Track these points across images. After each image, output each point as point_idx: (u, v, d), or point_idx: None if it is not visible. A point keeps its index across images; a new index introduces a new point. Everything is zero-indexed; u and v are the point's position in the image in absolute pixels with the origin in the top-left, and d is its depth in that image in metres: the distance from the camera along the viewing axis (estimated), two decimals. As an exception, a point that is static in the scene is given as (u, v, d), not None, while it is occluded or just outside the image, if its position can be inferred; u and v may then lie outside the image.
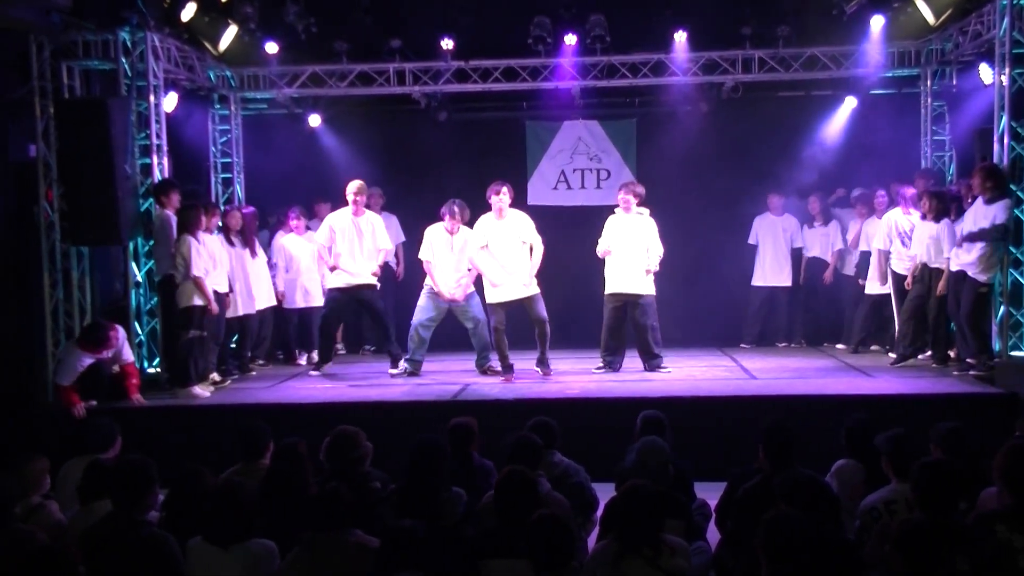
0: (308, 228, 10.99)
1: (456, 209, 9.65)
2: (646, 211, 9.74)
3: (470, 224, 9.68)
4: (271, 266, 10.74)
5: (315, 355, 10.57)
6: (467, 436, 5.73)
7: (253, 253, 10.27)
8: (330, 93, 11.55)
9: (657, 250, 9.63)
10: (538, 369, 9.47)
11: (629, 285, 9.57)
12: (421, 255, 9.77)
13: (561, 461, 5.74)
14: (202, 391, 8.90)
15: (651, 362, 9.67)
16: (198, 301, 8.84)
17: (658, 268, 9.65)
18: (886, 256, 10.08)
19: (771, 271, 11.50)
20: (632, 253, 9.54)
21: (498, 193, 9.34)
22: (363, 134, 12.25)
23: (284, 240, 10.95)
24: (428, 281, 9.74)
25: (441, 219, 9.73)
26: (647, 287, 9.60)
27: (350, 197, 9.77)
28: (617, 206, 9.77)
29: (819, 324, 11.50)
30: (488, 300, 9.43)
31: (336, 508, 4.41)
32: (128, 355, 8.63)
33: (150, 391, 8.98)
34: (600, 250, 9.67)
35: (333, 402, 8.58)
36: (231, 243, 9.93)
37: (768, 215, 11.53)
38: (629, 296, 9.58)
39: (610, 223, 9.75)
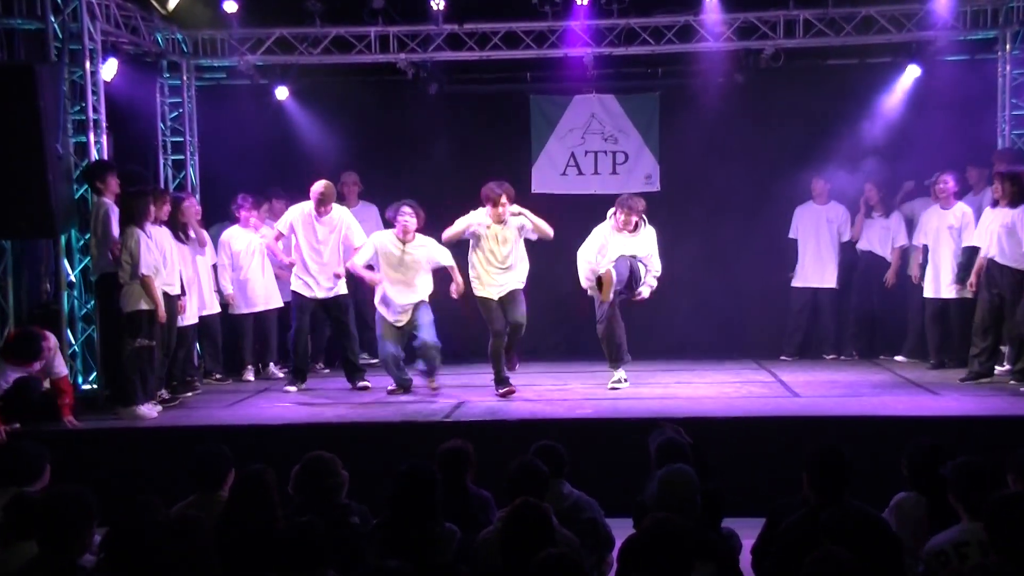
0: (268, 221, 10.97)
1: (407, 213, 9.58)
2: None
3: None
4: (215, 266, 10.74)
5: (273, 369, 10.72)
6: (461, 462, 5.70)
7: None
8: (301, 61, 11.55)
9: (655, 269, 9.66)
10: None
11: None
12: (356, 261, 9.72)
13: (571, 493, 5.72)
14: (149, 411, 8.87)
15: None
16: (145, 305, 8.81)
17: (655, 286, 9.67)
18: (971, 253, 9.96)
19: (812, 270, 11.51)
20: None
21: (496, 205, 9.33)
22: (339, 110, 12.24)
23: (230, 234, 10.93)
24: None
25: (392, 225, 9.69)
26: None
27: (313, 201, 9.80)
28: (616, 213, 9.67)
29: (874, 333, 11.47)
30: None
31: (308, 546, 4.39)
32: (61, 368, 8.60)
33: (86, 411, 8.95)
34: (584, 275, 9.62)
35: (305, 423, 8.58)
36: (184, 238, 9.91)
37: (811, 204, 11.52)
38: None
39: (602, 235, 9.66)
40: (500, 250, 9.39)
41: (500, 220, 9.35)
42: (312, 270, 9.91)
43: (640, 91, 12.41)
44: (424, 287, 9.67)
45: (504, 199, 9.32)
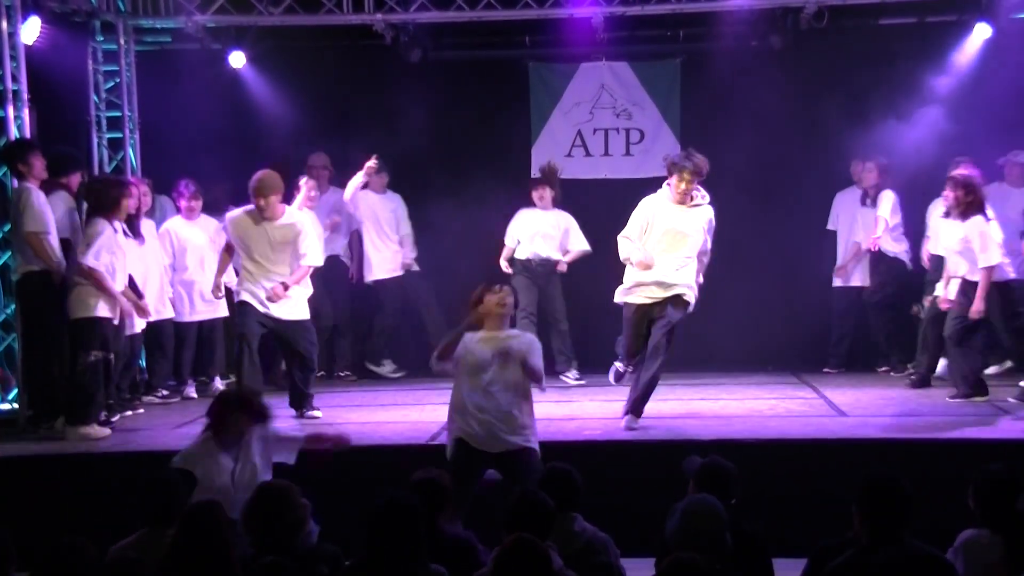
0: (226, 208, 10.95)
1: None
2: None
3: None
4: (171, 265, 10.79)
5: (219, 384, 10.80)
6: (435, 497, 5.56)
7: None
8: (260, 22, 11.55)
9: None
10: None
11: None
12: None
13: (584, 530, 5.71)
14: (101, 431, 8.88)
15: None
16: (100, 312, 8.82)
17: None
18: None
19: (855, 267, 11.47)
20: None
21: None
22: (305, 80, 12.26)
23: (171, 225, 10.91)
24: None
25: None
26: None
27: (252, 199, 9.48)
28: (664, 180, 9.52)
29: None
30: None
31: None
32: None
33: (5, 435, 8.93)
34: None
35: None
36: (133, 232, 9.87)
37: (853, 189, 11.47)
38: None
39: (648, 209, 9.27)
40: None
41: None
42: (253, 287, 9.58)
43: (659, 57, 12.44)
44: None
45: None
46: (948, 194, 9.64)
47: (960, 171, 9.77)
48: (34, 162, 9.17)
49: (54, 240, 9.10)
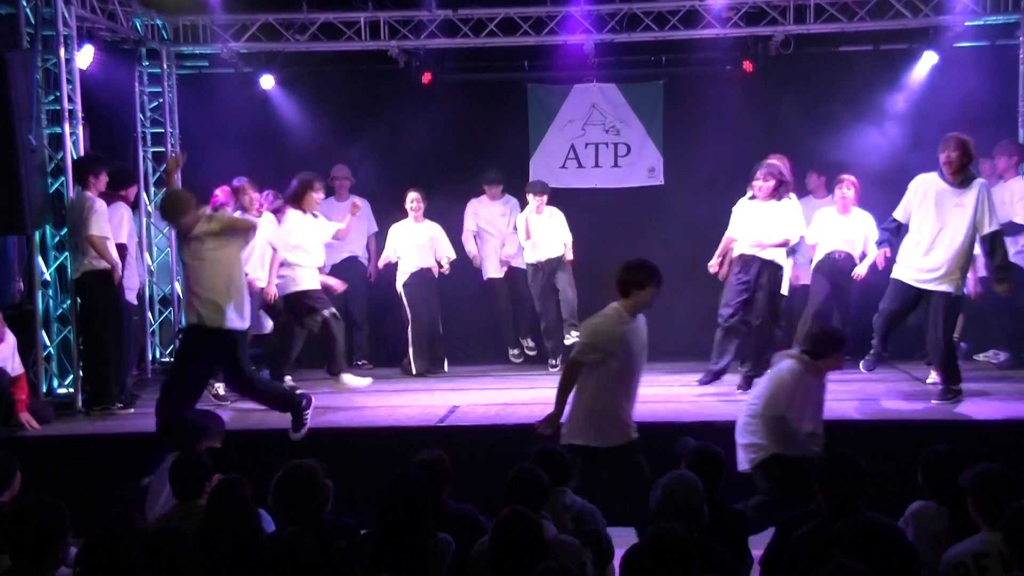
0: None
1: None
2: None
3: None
4: None
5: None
6: (436, 476, 5.51)
7: None
8: (287, 48, 11.54)
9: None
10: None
11: None
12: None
13: (574, 503, 5.71)
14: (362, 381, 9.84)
15: None
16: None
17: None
18: None
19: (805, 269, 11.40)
20: None
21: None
22: (328, 100, 12.29)
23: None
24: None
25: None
26: None
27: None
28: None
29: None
30: None
31: (296, 561, 4.35)
32: (18, 367, 8.61)
33: (62, 416, 8.96)
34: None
35: (285, 429, 8.51)
36: None
37: (810, 199, 11.44)
38: None
39: (738, 210, 9.59)
40: None
41: None
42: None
43: (643, 80, 12.40)
44: None
45: None
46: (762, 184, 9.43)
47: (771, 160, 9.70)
48: (100, 176, 9.23)
49: (112, 244, 9.14)
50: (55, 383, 9.54)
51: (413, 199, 10.94)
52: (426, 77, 11.89)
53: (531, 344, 11.58)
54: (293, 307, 9.76)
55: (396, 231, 11.04)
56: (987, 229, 8.37)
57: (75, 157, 9.45)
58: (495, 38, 11.28)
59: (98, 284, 9.08)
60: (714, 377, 9.58)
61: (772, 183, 9.28)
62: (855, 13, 10.88)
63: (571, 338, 10.54)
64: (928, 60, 11.44)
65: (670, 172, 12.16)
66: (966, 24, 11.00)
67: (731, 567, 5.04)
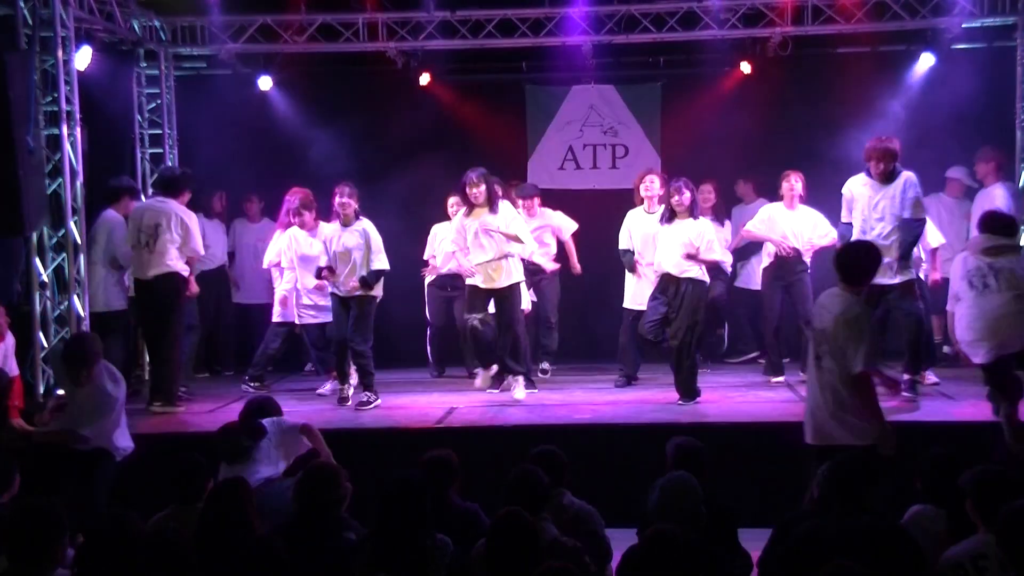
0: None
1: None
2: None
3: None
4: None
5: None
6: (444, 473, 5.64)
7: None
8: (285, 50, 11.53)
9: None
10: None
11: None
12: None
13: (572, 503, 5.71)
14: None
15: None
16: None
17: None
18: None
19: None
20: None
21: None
22: (326, 101, 12.24)
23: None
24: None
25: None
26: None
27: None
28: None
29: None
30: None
31: (270, 564, 4.36)
32: (13, 368, 8.57)
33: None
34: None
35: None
36: None
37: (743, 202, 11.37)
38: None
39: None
40: None
41: None
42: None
43: (641, 81, 12.40)
44: None
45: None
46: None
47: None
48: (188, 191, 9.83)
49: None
50: (53, 383, 9.51)
51: (454, 203, 10.38)
52: (424, 78, 11.94)
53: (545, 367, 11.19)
54: None
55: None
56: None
57: (75, 160, 9.49)
58: (493, 39, 11.26)
59: (172, 286, 9.46)
60: (628, 381, 9.64)
61: (689, 197, 9.23)
62: (853, 15, 10.87)
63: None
64: (926, 62, 11.43)
65: (668, 173, 12.08)
66: (964, 26, 10.98)
67: (727, 568, 5.04)
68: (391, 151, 12.06)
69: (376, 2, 11.17)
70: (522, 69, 12.39)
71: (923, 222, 8.95)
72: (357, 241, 9.27)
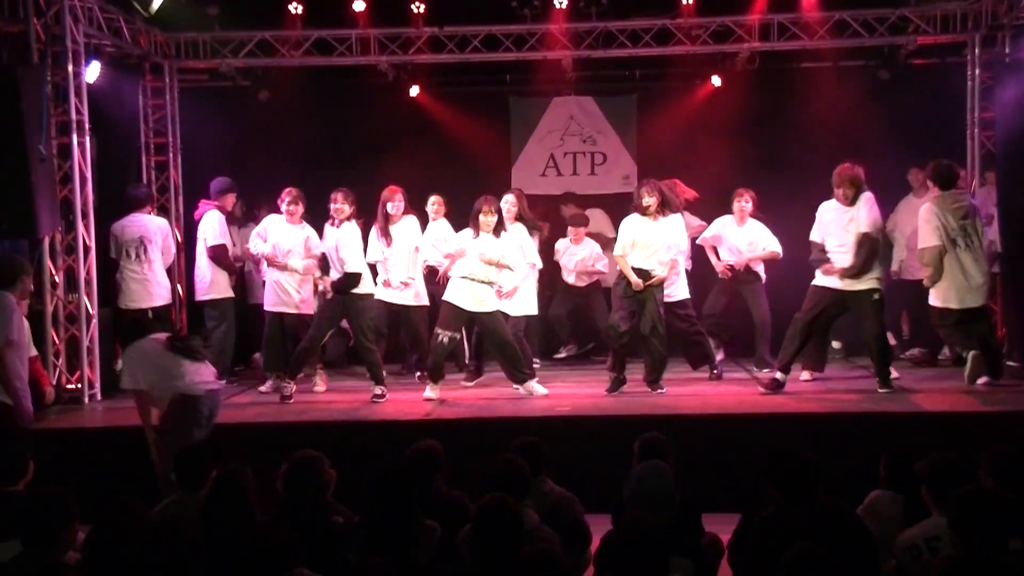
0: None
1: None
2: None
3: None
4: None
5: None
6: (431, 463, 5.63)
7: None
8: (282, 63, 11.51)
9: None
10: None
11: None
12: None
13: (553, 491, 5.72)
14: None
15: None
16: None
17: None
18: None
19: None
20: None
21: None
22: (320, 111, 12.24)
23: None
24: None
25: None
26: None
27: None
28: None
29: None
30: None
31: (277, 547, 4.35)
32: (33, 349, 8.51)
33: (68, 411, 8.94)
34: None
35: (283, 423, 8.51)
36: None
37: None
38: None
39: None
40: None
41: None
42: None
43: (618, 93, 12.45)
44: None
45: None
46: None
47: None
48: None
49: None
50: (64, 380, 9.50)
51: (434, 202, 10.50)
52: (414, 90, 11.94)
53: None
54: None
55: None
56: None
57: (85, 167, 9.52)
58: (479, 53, 11.28)
59: None
60: (619, 385, 9.45)
61: (656, 199, 9.20)
62: (816, 32, 10.93)
63: None
64: (882, 77, 11.55)
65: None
66: (919, 43, 11.04)
67: (697, 550, 5.06)
68: (381, 158, 12.02)
69: (368, 18, 11.16)
70: (506, 81, 12.41)
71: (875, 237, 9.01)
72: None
